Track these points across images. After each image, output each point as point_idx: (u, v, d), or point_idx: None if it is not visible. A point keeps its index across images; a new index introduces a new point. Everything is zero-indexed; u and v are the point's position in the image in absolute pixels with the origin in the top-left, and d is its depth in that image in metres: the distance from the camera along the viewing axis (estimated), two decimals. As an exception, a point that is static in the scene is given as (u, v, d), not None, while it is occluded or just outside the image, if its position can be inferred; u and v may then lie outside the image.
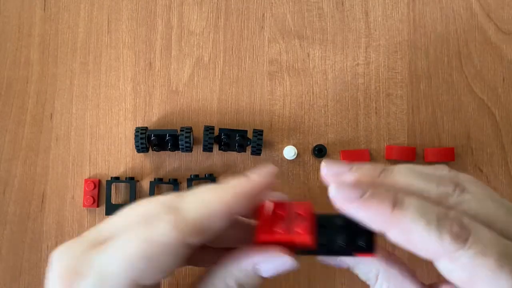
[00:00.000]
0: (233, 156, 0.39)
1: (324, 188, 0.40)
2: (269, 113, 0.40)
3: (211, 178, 0.39)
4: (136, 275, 0.22)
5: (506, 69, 0.41)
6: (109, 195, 0.38)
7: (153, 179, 0.39)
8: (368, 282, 0.26)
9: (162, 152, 0.39)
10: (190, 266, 0.38)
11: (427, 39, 0.41)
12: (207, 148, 0.38)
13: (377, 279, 0.25)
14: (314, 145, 0.39)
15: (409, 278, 0.25)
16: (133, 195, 0.38)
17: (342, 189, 0.24)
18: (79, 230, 0.38)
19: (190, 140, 0.37)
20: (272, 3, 0.41)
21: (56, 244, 0.38)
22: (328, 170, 0.26)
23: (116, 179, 0.38)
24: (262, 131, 0.38)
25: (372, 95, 0.40)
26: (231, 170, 0.39)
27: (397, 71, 0.41)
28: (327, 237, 0.25)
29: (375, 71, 0.41)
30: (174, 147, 0.38)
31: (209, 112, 0.40)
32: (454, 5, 0.41)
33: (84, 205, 0.38)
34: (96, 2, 0.41)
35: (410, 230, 0.22)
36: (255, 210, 0.25)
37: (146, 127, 0.39)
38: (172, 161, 0.39)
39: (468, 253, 0.22)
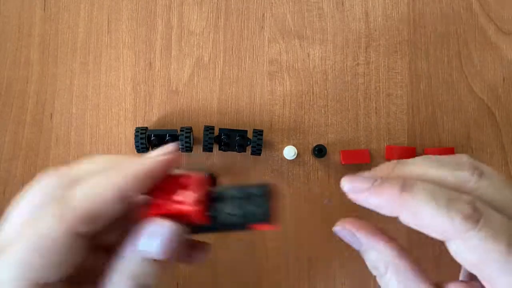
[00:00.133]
0: (233, 156, 0.39)
1: (324, 189, 0.40)
2: (269, 113, 0.40)
3: (211, 178, 0.39)
4: (32, 275, 0.21)
5: (506, 69, 0.41)
6: (109, 195, 0.38)
7: (153, 179, 0.39)
8: (375, 272, 0.25)
9: (162, 152, 0.39)
10: (192, 268, 0.38)
11: (427, 39, 0.41)
12: (207, 148, 0.38)
13: (386, 270, 0.25)
14: (314, 145, 0.39)
15: (418, 273, 0.24)
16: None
17: (354, 180, 0.24)
18: (79, 230, 0.38)
19: (190, 140, 0.37)
20: (272, 3, 0.41)
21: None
22: (348, 186, 0.25)
23: (116, 179, 0.38)
24: (262, 131, 0.38)
25: (372, 95, 0.40)
26: (231, 170, 0.39)
27: (397, 71, 0.41)
28: (221, 210, 0.24)
29: (375, 71, 0.41)
30: (174, 147, 0.38)
31: (209, 112, 0.40)
32: (454, 5, 0.41)
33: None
34: (96, 2, 0.41)
35: (420, 211, 0.22)
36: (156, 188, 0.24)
37: (146, 127, 0.39)
38: (172, 161, 0.39)
39: (479, 235, 0.22)
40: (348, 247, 0.26)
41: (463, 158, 0.25)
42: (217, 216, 0.24)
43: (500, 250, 0.22)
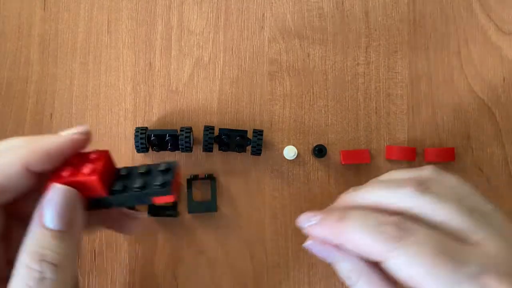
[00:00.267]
0: (233, 156, 0.39)
1: (324, 189, 0.40)
2: (269, 113, 0.40)
3: (211, 178, 0.39)
4: None
5: (506, 69, 0.41)
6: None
7: (153, 179, 0.39)
8: (348, 282, 0.27)
9: (162, 152, 0.39)
10: (191, 268, 0.38)
11: (427, 39, 0.41)
12: (207, 148, 0.38)
13: (358, 279, 0.26)
14: (314, 145, 0.39)
15: (388, 283, 0.25)
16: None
17: (304, 217, 0.28)
18: (79, 230, 0.38)
19: (190, 140, 0.37)
20: (272, 3, 0.41)
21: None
22: (301, 222, 0.28)
23: (116, 179, 0.38)
24: (262, 131, 0.38)
25: (372, 95, 0.40)
26: (231, 170, 0.39)
27: (397, 71, 0.41)
28: (123, 184, 0.26)
29: (375, 71, 0.41)
30: (174, 147, 0.38)
31: (209, 112, 0.40)
32: (454, 5, 0.41)
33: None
34: (96, 2, 0.41)
35: (354, 238, 0.25)
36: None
37: (146, 127, 0.39)
38: (172, 161, 0.39)
39: (405, 253, 0.23)
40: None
41: (419, 172, 0.27)
42: (120, 190, 0.25)
43: (425, 264, 0.23)
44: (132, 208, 0.38)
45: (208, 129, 0.38)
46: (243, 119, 0.40)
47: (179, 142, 0.37)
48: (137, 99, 0.40)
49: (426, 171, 0.27)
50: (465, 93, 0.41)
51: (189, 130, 0.38)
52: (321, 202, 0.39)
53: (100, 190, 0.25)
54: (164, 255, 0.38)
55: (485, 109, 0.40)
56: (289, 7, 0.41)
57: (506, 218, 0.26)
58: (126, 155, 0.39)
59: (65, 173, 0.25)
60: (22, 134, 0.39)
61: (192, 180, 0.38)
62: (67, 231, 0.24)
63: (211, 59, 0.41)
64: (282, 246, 0.39)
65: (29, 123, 0.40)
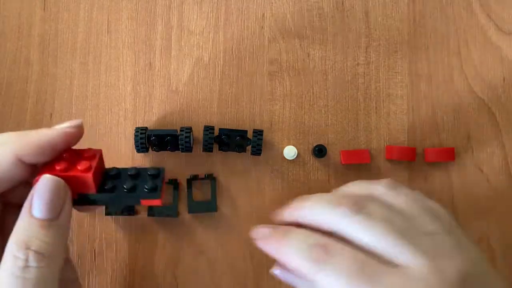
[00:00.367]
0: (233, 156, 0.39)
1: (324, 189, 0.40)
2: (269, 113, 0.40)
3: (211, 178, 0.39)
4: None
5: (506, 69, 0.41)
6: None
7: (153, 179, 0.39)
8: None
9: (162, 152, 0.39)
10: (191, 268, 0.38)
11: (427, 39, 0.41)
12: (207, 148, 0.38)
13: None
14: (314, 145, 0.39)
15: None
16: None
17: (257, 231, 0.29)
18: (79, 230, 0.38)
19: (190, 140, 0.37)
20: (272, 3, 0.41)
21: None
22: (254, 235, 0.30)
23: (116, 179, 0.38)
24: (262, 131, 0.38)
25: (372, 95, 0.40)
26: (231, 171, 0.39)
27: (397, 71, 0.41)
28: (112, 183, 0.27)
29: (375, 71, 0.41)
30: (174, 147, 0.38)
31: (209, 112, 0.40)
32: (454, 5, 0.41)
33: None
34: (96, 2, 0.41)
35: (289, 259, 0.26)
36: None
37: (146, 127, 0.39)
38: (172, 161, 0.39)
39: (326, 275, 0.24)
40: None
41: (376, 186, 0.29)
42: (110, 189, 0.26)
43: (341, 285, 0.23)
44: (132, 208, 0.38)
45: (208, 129, 0.38)
46: (243, 119, 0.40)
47: (179, 142, 0.37)
48: (137, 99, 0.40)
49: (379, 187, 0.28)
50: (465, 93, 0.41)
51: (189, 130, 0.38)
52: (321, 202, 0.39)
53: (91, 187, 0.26)
54: (164, 255, 0.38)
55: (485, 109, 0.40)
56: (289, 7, 0.41)
57: (456, 237, 0.26)
58: (126, 155, 0.39)
59: (58, 167, 0.25)
60: (22, 134, 0.39)
61: (192, 180, 0.38)
62: (54, 221, 0.24)
63: (211, 59, 0.41)
64: (282, 246, 0.39)
65: (29, 123, 0.40)
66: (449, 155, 0.39)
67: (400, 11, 0.41)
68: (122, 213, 0.37)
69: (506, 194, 0.39)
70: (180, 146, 0.38)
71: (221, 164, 0.39)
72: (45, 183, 0.24)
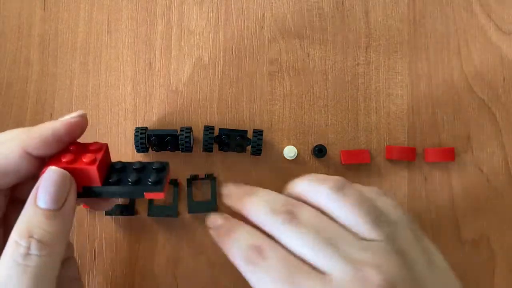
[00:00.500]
0: (233, 156, 0.39)
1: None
2: (269, 113, 0.40)
3: (211, 178, 0.39)
4: None
5: (506, 69, 0.41)
6: (109, 195, 0.38)
7: (153, 179, 0.39)
8: None
9: (162, 152, 0.39)
10: (191, 268, 0.38)
11: (427, 39, 0.41)
12: (207, 148, 0.38)
13: None
14: (314, 145, 0.39)
15: None
16: (133, 195, 0.38)
17: (209, 219, 0.30)
18: (79, 229, 0.38)
19: (190, 140, 0.37)
20: (272, 3, 0.41)
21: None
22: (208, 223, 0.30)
23: (116, 179, 0.38)
24: (262, 131, 0.38)
25: (372, 95, 0.40)
26: (231, 170, 0.39)
27: (397, 71, 0.41)
28: (117, 176, 0.27)
29: (375, 71, 0.41)
30: (174, 147, 0.38)
31: (209, 112, 0.40)
32: (454, 5, 0.41)
33: (84, 205, 0.38)
34: (96, 2, 0.41)
35: (229, 255, 0.27)
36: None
37: (146, 127, 0.39)
38: (172, 161, 0.39)
39: (253, 277, 0.25)
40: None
41: (316, 190, 0.28)
42: (115, 182, 0.27)
43: (269, 285, 0.24)
44: (132, 208, 0.38)
45: (208, 129, 0.38)
46: (243, 119, 0.40)
47: (179, 142, 0.37)
48: (137, 99, 0.40)
49: (324, 188, 0.27)
50: (465, 93, 0.41)
51: (189, 130, 0.38)
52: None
53: (96, 180, 0.26)
54: (164, 255, 0.38)
55: (485, 109, 0.40)
56: (289, 7, 0.41)
57: (401, 243, 0.25)
58: (126, 155, 0.39)
59: (64, 159, 0.26)
60: (22, 134, 0.39)
61: (192, 180, 0.38)
62: (58, 211, 0.25)
63: (211, 59, 0.41)
64: (282, 246, 0.39)
65: (29, 123, 0.40)
66: (449, 155, 0.39)
67: (400, 11, 0.41)
68: (122, 213, 0.38)
69: (506, 194, 0.39)
70: (180, 146, 0.38)
71: (221, 164, 0.39)
72: (50, 175, 0.25)
